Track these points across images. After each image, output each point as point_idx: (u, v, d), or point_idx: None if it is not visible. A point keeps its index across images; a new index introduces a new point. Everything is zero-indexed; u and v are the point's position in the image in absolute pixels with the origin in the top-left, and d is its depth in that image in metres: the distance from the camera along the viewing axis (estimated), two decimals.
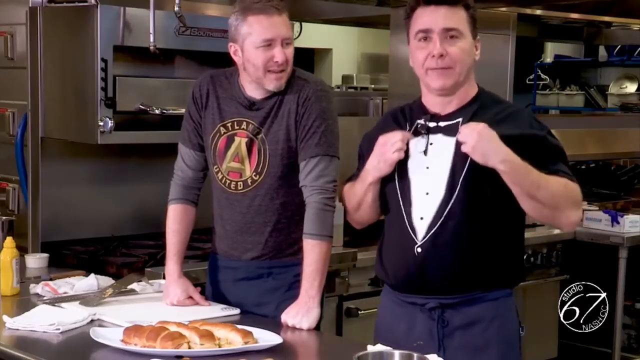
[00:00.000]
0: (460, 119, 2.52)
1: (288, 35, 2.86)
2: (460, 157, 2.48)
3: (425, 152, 2.53)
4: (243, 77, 2.93)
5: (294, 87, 2.90)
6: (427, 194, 2.52)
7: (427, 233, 2.50)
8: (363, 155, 2.69)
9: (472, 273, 2.51)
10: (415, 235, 2.52)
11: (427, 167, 2.53)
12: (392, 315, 2.65)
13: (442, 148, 2.52)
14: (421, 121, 2.55)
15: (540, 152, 2.48)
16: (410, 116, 2.62)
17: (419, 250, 2.51)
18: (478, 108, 2.55)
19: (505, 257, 2.54)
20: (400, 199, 2.56)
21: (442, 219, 2.48)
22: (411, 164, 2.55)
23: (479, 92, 2.60)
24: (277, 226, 2.93)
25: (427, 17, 2.49)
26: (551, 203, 2.45)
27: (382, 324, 2.70)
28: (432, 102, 2.58)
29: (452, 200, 2.47)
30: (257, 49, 2.82)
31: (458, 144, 2.46)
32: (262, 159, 2.90)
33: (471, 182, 2.47)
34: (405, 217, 2.54)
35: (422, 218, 2.52)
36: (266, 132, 2.90)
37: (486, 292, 2.53)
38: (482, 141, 2.39)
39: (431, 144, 2.54)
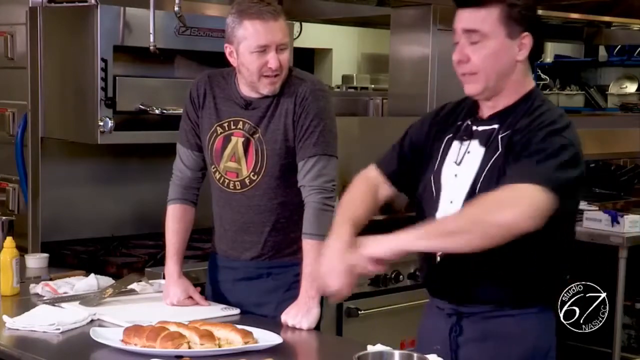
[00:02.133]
0: (496, 126, 2.39)
1: (283, 41, 2.84)
2: (484, 166, 2.37)
3: (459, 162, 2.43)
4: (239, 77, 2.93)
5: (291, 87, 2.89)
6: (451, 202, 2.42)
7: None
8: (408, 134, 2.60)
9: (490, 286, 2.40)
10: None
11: (456, 175, 2.43)
12: (424, 317, 2.61)
13: (474, 157, 2.41)
14: (468, 122, 2.44)
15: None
16: (461, 116, 2.49)
17: (438, 258, 2.44)
18: (517, 113, 2.37)
19: (532, 273, 2.38)
20: (433, 202, 2.46)
21: None
22: (444, 170, 2.47)
23: (528, 94, 2.39)
24: (276, 226, 2.93)
25: (457, 18, 2.35)
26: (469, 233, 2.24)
27: (420, 323, 2.64)
28: (480, 102, 2.46)
29: None
30: (251, 54, 2.81)
31: (487, 153, 2.37)
32: (259, 159, 2.90)
33: (489, 191, 2.31)
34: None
35: None
36: (263, 132, 2.90)
37: (506, 308, 2.41)
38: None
39: (468, 152, 2.42)
